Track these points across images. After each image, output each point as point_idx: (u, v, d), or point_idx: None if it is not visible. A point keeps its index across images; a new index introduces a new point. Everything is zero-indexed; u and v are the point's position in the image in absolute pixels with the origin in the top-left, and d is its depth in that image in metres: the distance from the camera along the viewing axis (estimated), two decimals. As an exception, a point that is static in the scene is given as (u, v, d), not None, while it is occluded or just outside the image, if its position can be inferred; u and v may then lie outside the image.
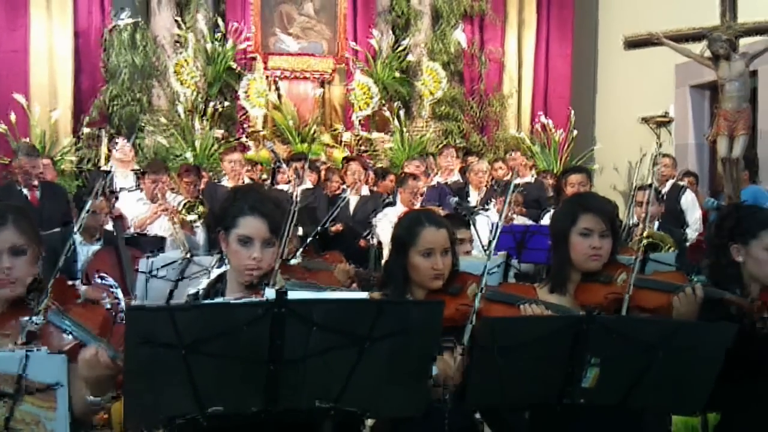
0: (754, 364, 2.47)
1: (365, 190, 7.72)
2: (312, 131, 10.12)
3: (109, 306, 4.44)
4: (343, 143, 10.13)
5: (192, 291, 2.45)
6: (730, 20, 7.45)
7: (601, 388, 2.05)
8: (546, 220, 6.14)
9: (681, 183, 7.69)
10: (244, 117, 10.20)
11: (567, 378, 2.05)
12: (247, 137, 9.99)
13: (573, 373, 2.04)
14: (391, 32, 10.73)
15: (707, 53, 7.50)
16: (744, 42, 7.46)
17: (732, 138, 7.31)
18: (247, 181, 7.32)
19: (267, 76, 10.20)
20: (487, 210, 6.53)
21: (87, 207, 2.83)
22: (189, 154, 9.22)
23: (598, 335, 2.01)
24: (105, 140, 9.02)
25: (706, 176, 9.24)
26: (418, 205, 6.58)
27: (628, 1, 10.36)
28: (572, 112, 10.72)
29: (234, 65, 10.19)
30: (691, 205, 7.30)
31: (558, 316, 2.39)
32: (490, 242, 2.64)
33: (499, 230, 2.87)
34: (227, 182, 7.22)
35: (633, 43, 8.16)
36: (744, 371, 2.49)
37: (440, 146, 9.03)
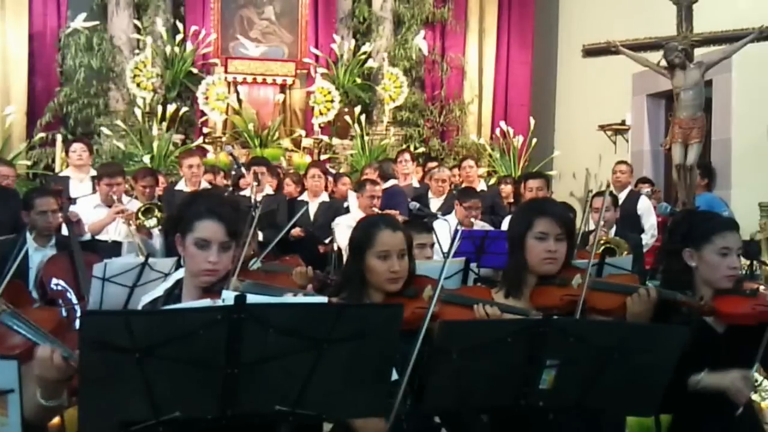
0: (707, 364, 2.51)
1: (325, 196, 7.70)
2: (272, 136, 10.08)
3: (65, 313, 4.37)
4: (303, 148, 10.10)
5: (149, 298, 2.42)
6: (686, 30, 7.59)
7: (558, 389, 2.07)
8: (505, 226, 6.19)
9: (644, 190, 7.81)
10: (203, 121, 10.11)
11: (524, 380, 2.06)
12: (206, 141, 9.90)
13: (530, 375, 2.05)
14: (352, 37, 10.73)
15: (663, 62, 7.64)
16: (699, 52, 7.61)
17: (687, 146, 7.45)
18: (205, 185, 7.24)
19: (227, 80, 10.13)
20: (447, 215, 6.56)
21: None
22: (146, 158, 9.10)
23: (555, 338, 2.03)
24: (61, 144, 8.86)
25: (662, 183, 9.40)
26: (376, 210, 6.58)
27: (588, 10, 10.51)
28: (532, 118, 10.83)
29: (194, 69, 10.10)
30: (647, 211, 7.42)
31: (515, 319, 2.41)
32: (450, 246, 2.66)
33: (459, 235, 2.89)
34: (186, 186, 7.13)
35: (591, 52, 8.27)
36: (698, 371, 2.54)
37: (398, 152, 9.04)
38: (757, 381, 3.92)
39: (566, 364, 2.05)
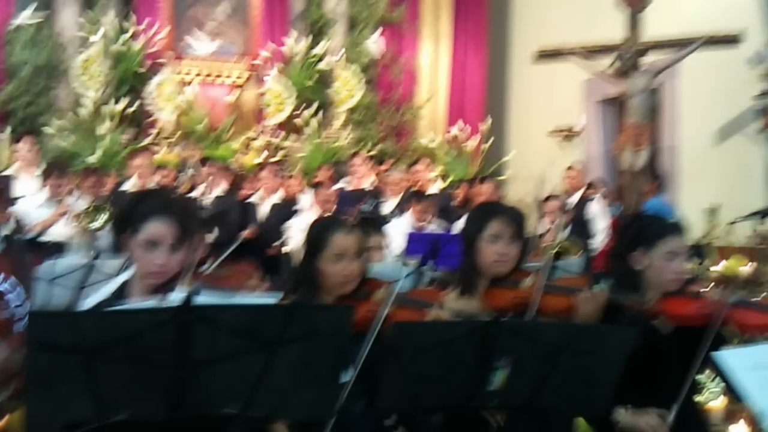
0: (653, 366, 2.55)
1: (278, 197, 7.64)
2: (224, 136, 9.96)
3: (8, 315, 4.24)
4: (255, 149, 10.00)
5: (96, 300, 2.35)
6: (635, 37, 7.74)
7: (509, 390, 2.07)
8: (458, 228, 6.21)
9: (594, 193, 7.91)
10: (152, 120, 9.94)
11: (475, 380, 2.06)
12: (155, 140, 9.73)
13: (481, 375, 2.06)
14: (305, 38, 10.67)
15: (613, 68, 7.77)
16: (648, 58, 7.75)
17: (636, 151, 7.58)
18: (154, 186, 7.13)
19: (178, 79, 9.98)
20: (401, 217, 6.56)
21: None
22: (94, 157, 8.91)
23: (506, 338, 2.04)
24: (6, 141, 8.63)
25: (612, 187, 9.52)
26: (330, 212, 6.55)
27: (540, 16, 10.63)
28: (485, 122, 10.89)
29: (143, 67, 9.92)
30: (597, 214, 7.52)
31: (466, 320, 2.42)
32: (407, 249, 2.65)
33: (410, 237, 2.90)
34: (134, 186, 7.01)
35: (544, 56, 8.38)
36: (644, 373, 2.57)
37: (351, 154, 9.01)
38: (701, 383, 3.99)
39: (517, 365, 2.06)
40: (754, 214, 5.00)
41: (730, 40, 7.38)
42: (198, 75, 10.27)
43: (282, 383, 1.83)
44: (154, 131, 9.79)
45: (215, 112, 10.20)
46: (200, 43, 10.43)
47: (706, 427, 2.84)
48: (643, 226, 2.70)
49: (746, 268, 5.23)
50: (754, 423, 4.20)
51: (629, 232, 2.72)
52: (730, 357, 1.32)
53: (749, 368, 1.29)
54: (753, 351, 1.33)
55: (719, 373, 2.51)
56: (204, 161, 8.00)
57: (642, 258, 2.62)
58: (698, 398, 3.03)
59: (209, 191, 7.26)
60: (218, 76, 10.35)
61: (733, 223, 5.33)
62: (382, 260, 4.28)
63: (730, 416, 4.41)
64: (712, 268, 5.76)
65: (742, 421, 4.31)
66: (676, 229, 2.68)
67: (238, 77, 10.42)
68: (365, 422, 2.44)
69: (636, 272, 2.64)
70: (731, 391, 2.39)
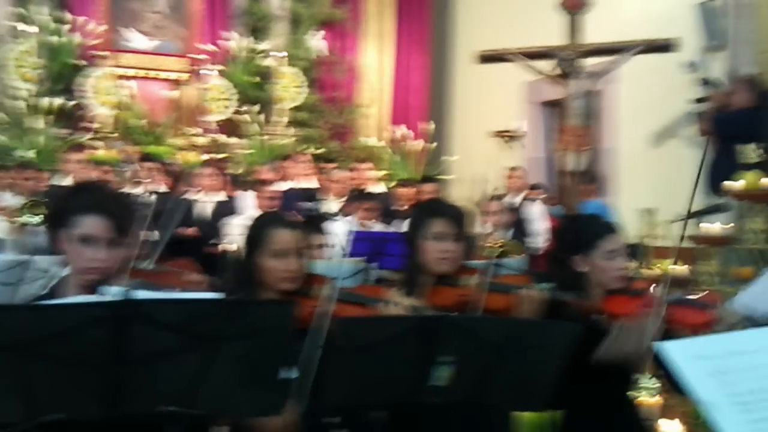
0: (594, 363, 2.57)
1: (222, 195, 7.55)
2: (164, 133, 9.79)
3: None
4: (197, 146, 9.86)
5: (31, 297, 2.28)
6: (576, 41, 7.87)
7: (453, 386, 2.07)
8: (401, 228, 6.22)
9: (536, 195, 8.01)
10: (90, 116, 9.70)
11: (419, 376, 2.06)
12: (93, 137, 9.50)
13: (425, 371, 2.05)
14: (248, 35, 10.56)
15: (555, 71, 7.88)
16: (589, 62, 7.88)
17: (576, 153, 7.70)
18: (92, 182, 6.96)
19: (116, 74, 9.76)
20: (345, 216, 6.53)
21: None
22: (29, 153, 8.67)
23: (449, 334, 2.04)
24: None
25: (553, 188, 9.66)
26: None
27: (483, 18, 10.73)
28: (429, 123, 10.94)
29: (80, 61, 9.68)
30: (539, 216, 7.61)
31: (411, 316, 2.43)
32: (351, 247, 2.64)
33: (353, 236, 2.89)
34: (71, 183, 6.83)
35: (486, 58, 8.46)
36: (585, 370, 2.61)
37: (294, 152, 8.95)
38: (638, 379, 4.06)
39: (461, 361, 2.06)
40: (693, 214, 5.13)
41: (666, 47, 7.56)
42: (137, 70, 10.07)
43: (223, 381, 1.79)
44: (92, 127, 9.56)
45: (155, 109, 10.02)
46: (139, 39, 10.23)
47: (641, 423, 2.89)
48: (582, 229, 2.75)
49: (681, 269, 5.35)
50: (688, 419, 4.29)
51: (568, 235, 2.76)
52: (673, 348, 1.34)
53: (690, 359, 1.31)
54: (694, 342, 1.36)
55: (661, 365, 2.57)
56: (143, 158, 7.85)
57: (584, 260, 2.66)
58: (634, 394, 3.07)
59: (148, 189, 7.12)
60: (158, 71, 10.17)
61: (672, 222, 5.46)
62: (324, 259, 4.26)
63: (665, 412, 4.50)
64: (649, 269, 5.90)
65: (677, 418, 4.40)
66: (611, 228, 2.73)
67: (179, 74, 10.26)
68: (308, 420, 2.41)
69: (578, 274, 2.68)
70: (671, 383, 2.44)
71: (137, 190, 6.94)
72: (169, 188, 7.43)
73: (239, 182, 8.42)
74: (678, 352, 1.33)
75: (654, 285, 2.71)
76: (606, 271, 2.64)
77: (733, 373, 1.30)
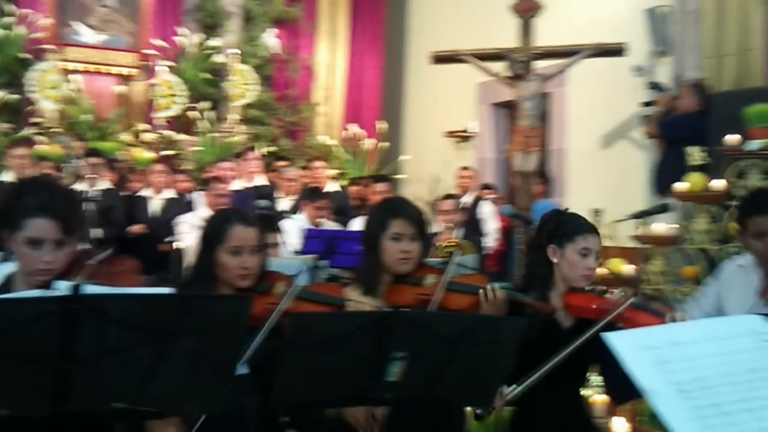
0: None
1: (171, 193, 7.44)
2: (111, 129, 9.61)
3: None
4: (145, 143, 9.70)
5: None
6: (528, 43, 7.95)
7: (405, 381, 2.07)
8: (354, 226, 6.21)
9: (487, 195, 8.07)
10: (34, 109, 9.48)
11: (373, 372, 2.05)
12: (37, 132, 9.28)
13: (379, 367, 2.05)
14: (199, 31, 10.44)
15: (506, 73, 7.96)
16: (539, 64, 7.97)
17: (526, 153, 7.78)
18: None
19: (62, 68, 9.55)
20: (297, 214, 6.50)
21: None
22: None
23: (404, 330, 2.04)
24: None
25: (504, 188, 9.76)
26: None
27: (437, 19, 10.78)
28: (382, 122, 10.95)
29: (26, 55, 9.45)
30: (489, 215, 7.68)
31: (364, 312, 2.42)
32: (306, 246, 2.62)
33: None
34: (13, 179, 6.66)
35: (439, 59, 8.49)
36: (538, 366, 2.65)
37: (245, 150, 8.86)
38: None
39: (414, 356, 2.06)
40: (637, 215, 5.23)
41: (615, 50, 7.68)
42: (84, 64, 9.88)
43: (174, 377, 1.76)
44: (36, 121, 9.34)
45: (102, 104, 9.84)
46: (88, 33, 10.02)
47: (591, 421, 2.93)
48: (562, 222, 2.77)
49: (628, 268, 5.44)
50: (634, 416, 4.37)
51: (548, 225, 2.78)
52: (617, 338, 1.39)
53: (634, 349, 1.35)
54: (638, 333, 1.42)
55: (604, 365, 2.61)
56: (88, 154, 7.69)
57: (557, 251, 2.70)
58: (584, 392, 3.11)
59: (94, 185, 6.98)
60: (106, 66, 9.98)
61: (617, 221, 5.55)
62: (278, 257, 4.23)
63: (611, 411, 4.56)
64: (598, 268, 5.98)
65: (623, 416, 4.47)
66: (592, 229, 2.77)
67: (128, 68, 10.08)
68: (259, 419, 2.39)
69: (549, 264, 2.72)
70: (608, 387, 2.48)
71: (81, 186, 6.79)
72: (114, 185, 7.29)
73: (192, 180, 8.31)
74: (623, 342, 1.38)
75: (618, 288, 2.77)
76: (575, 267, 2.67)
77: (674, 362, 1.35)
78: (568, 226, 2.74)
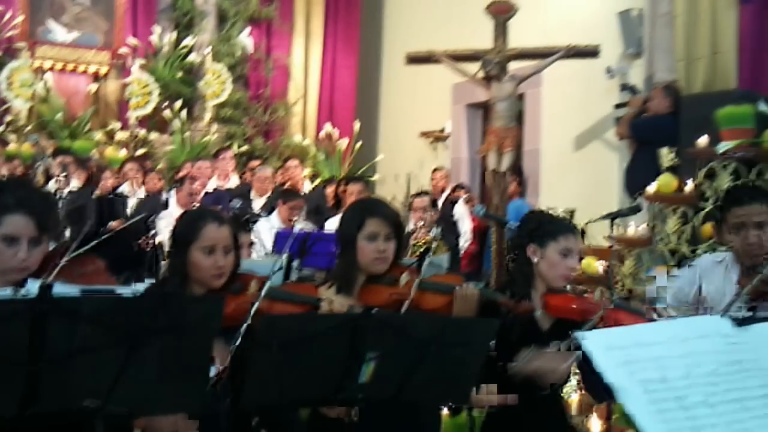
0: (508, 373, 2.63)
1: (142, 192, 7.40)
2: (83, 127, 9.52)
3: None
4: (118, 142, 9.62)
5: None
6: (502, 45, 8.00)
7: (377, 383, 2.08)
8: (329, 227, 6.20)
9: (458, 196, 8.10)
10: (5, 108, 9.37)
11: (344, 373, 2.06)
12: (8, 130, 9.17)
13: (350, 368, 2.05)
14: (173, 30, 10.37)
15: (480, 74, 8.00)
16: (513, 65, 8.02)
17: (500, 154, 7.82)
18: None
19: (34, 66, 9.44)
20: (269, 215, 6.48)
21: None
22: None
23: (376, 331, 2.04)
24: None
25: (478, 189, 9.81)
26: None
27: (412, 19, 10.80)
28: (356, 122, 10.96)
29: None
30: (462, 216, 7.71)
31: (336, 313, 2.44)
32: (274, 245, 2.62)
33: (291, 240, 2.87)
34: (-15, 177, 6.57)
35: (414, 59, 8.51)
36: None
37: (218, 150, 8.83)
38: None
39: (385, 357, 2.06)
40: (609, 216, 5.27)
41: (590, 52, 7.75)
42: (56, 63, 9.78)
43: (145, 377, 1.75)
44: (7, 120, 9.24)
45: (73, 103, 9.75)
46: (61, 30, 9.92)
47: (565, 419, 2.95)
48: (544, 222, 2.80)
49: (600, 268, 5.49)
50: (608, 415, 4.40)
51: (530, 224, 2.81)
52: (589, 339, 1.44)
53: (604, 349, 1.41)
54: (608, 333, 1.48)
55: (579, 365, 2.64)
56: (57, 152, 7.63)
57: (538, 251, 2.71)
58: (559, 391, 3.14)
59: (65, 184, 6.92)
60: (78, 64, 9.89)
61: (590, 222, 5.59)
62: (251, 258, 4.21)
63: (585, 409, 4.60)
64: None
65: (595, 414, 4.51)
66: (573, 229, 2.80)
67: (100, 66, 10.00)
68: (231, 420, 2.38)
69: (529, 263, 2.73)
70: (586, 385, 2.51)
71: (50, 186, 6.73)
72: (85, 184, 7.23)
73: (166, 179, 8.27)
74: (594, 342, 1.43)
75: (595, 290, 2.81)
76: (556, 266, 2.69)
77: (641, 362, 1.42)
78: (549, 226, 2.76)
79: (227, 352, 2.24)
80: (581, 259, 6.01)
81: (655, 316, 2.66)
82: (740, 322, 1.50)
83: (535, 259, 2.72)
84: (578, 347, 2.31)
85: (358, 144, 10.77)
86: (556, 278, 2.70)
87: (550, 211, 2.94)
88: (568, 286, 2.80)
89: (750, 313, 2.59)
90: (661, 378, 1.37)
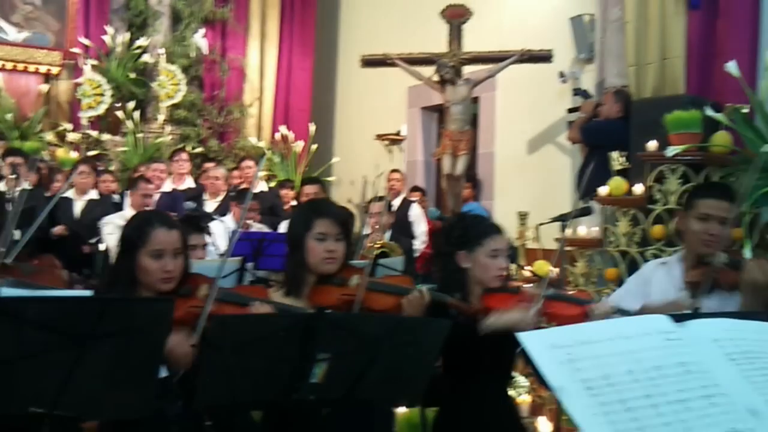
0: (472, 362, 2.67)
1: (94, 194, 7.27)
2: (34, 128, 9.33)
3: None
4: (69, 143, 9.45)
5: None
6: (457, 48, 8.07)
7: (329, 382, 2.09)
8: (283, 228, 6.18)
9: (413, 198, 8.12)
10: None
11: (296, 374, 2.06)
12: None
13: (302, 369, 2.06)
14: (126, 30, 10.23)
15: (435, 77, 8.05)
16: (468, 69, 8.09)
17: (455, 157, 7.88)
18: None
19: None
20: (223, 216, 6.43)
21: None
22: None
23: (327, 331, 2.05)
24: None
25: (433, 191, 9.87)
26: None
27: (368, 22, 10.82)
28: (312, 125, 10.93)
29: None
30: (418, 218, 7.74)
31: (288, 314, 2.42)
32: (229, 246, 2.59)
33: (236, 236, 2.84)
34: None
35: (369, 62, 8.54)
36: (463, 369, 2.70)
37: (173, 151, 8.73)
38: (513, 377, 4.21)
39: (337, 357, 2.07)
40: (559, 217, 5.33)
41: (543, 57, 7.85)
42: (6, 62, 9.57)
43: (94, 380, 1.74)
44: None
45: (24, 103, 9.55)
46: (11, 29, 9.72)
47: (516, 420, 2.98)
48: (468, 226, 2.81)
49: (552, 270, 5.54)
50: (556, 416, 4.46)
51: (454, 232, 2.82)
52: (529, 338, 1.44)
53: (545, 348, 1.41)
54: (549, 333, 1.47)
55: (530, 362, 2.66)
56: (6, 153, 7.45)
57: (467, 257, 2.73)
58: (510, 392, 3.17)
59: (14, 185, 6.77)
60: (29, 64, 9.69)
61: (541, 224, 5.67)
62: (202, 259, 4.18)
63: (536, 410, 4.65)
64: (524, 269, 6.10)
65: (545, 415, 4.57)
66: (497, 229, 2.82)
67: (51, 66, 9.81)
68: (182, 423, 2.36)
69: (461, 270, 2.74)
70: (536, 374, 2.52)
71: (2, 187, 6.58)
72: (34, 185, 7.08)
73: (120, 180, 8.15)
74: (534, 341, 1.42)
75: (531, 284, 2.82)
76: (488, 269, 2.71)
77: (582, 361, 1.40)
78: (475, 230, 2.78)
79: None
80: (532, 261, 6.10)
81: (594, 303, 2.69)
82: (678, 318, 1.52)
83: (467, 265, 2.74)
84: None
85: (314, 146, 10.75)
86: (490, 279, 2.72)
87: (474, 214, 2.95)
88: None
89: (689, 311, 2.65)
90: (604, 375, 1.37)
